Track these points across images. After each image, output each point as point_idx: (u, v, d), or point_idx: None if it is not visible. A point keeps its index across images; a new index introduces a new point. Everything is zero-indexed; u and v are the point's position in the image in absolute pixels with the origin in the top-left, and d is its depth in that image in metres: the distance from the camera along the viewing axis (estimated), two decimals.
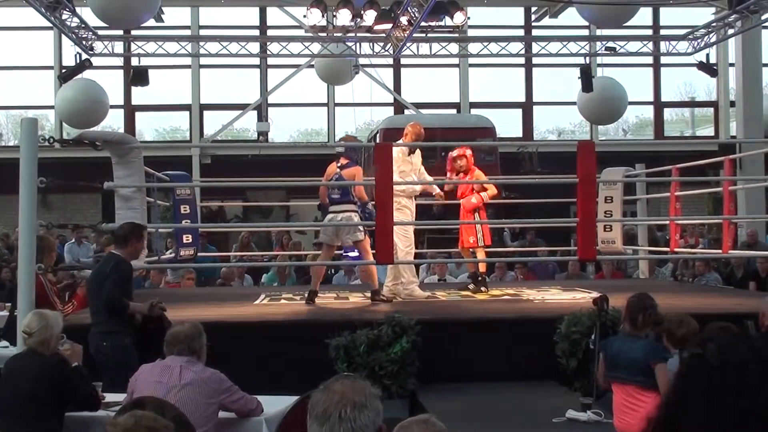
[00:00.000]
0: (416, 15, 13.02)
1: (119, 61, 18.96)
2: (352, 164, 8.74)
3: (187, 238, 10.07)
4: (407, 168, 9.16)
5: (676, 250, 10.94)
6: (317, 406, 2.42)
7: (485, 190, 9.69)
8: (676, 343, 5.33)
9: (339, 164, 8.71)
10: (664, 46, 16.06)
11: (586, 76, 15.12)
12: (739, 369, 1.47)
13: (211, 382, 4.60)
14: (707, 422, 1.46)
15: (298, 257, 13.41)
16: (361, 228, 8.66)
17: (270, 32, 20.35)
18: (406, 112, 21.08)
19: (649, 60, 20.41)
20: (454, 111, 21.54)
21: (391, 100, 21.51)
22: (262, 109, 21.24)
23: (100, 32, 14.87)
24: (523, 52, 16.60)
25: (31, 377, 4.88)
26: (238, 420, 4.81)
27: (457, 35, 15.77)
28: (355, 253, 10.13)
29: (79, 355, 5.40)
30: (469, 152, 9.75)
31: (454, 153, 9.73)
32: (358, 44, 15.57)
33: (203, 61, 19.98)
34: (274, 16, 21.20)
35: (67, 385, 4.92)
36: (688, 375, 1.54)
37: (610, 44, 15.92)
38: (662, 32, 19.26)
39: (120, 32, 15.67)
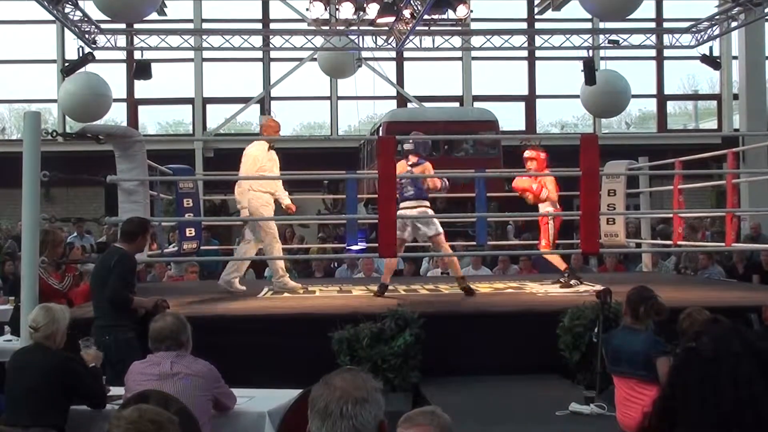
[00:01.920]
0: (419, 8, 12.99)
1: (122, 55, 18.95)
2: (423, 161, 8.79)
3: (190, 232, 10.07)
4: (270, 164, 9.07)
5: (679, 243, 10.93)
6: (318, 401, 2.41)
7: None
8: None
9: (409, 162, 8.73)
10: (667, 39, 16.02)
11: (589, 69, 15.09)
12: (732, 361, 1.48)
13: (203, 374, 4.55)
14: (703, 413, 1.47)
15: (304, 251, 13.42)
16: (436, 221, 8.73)
17: (273, 26, 20.31)
18: (409, 105, 21.08)
19: (652, 53, 20.38)
20: (456, 104, 21.52)
21: (394, 94, 21.50)
22: (264, 103, 21.24)
23: (103, 26, 14.85)
24: (525, 45, 16.57)
25: (37, 371, 4.89)
26: (240, 414, 4.79)
27: (459, 28, 15.74)
28: (358, 247, 10.15)
29: (98, 360, 5.38)
30: (543, 155, 9.64)
31: (526, 154, 9.64)
32: (360, 37, 15.55)
33: (206, 54, 19.95)
34: (277, 9, 21.19)
35: (72, 380, 4.92)
36: (683, 368, 1.55)
37: (613, 37, 15.88)
38: (665, 25, 19.24)
39: (123, 26, 15.67)
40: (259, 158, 8.94)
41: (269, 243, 9.03)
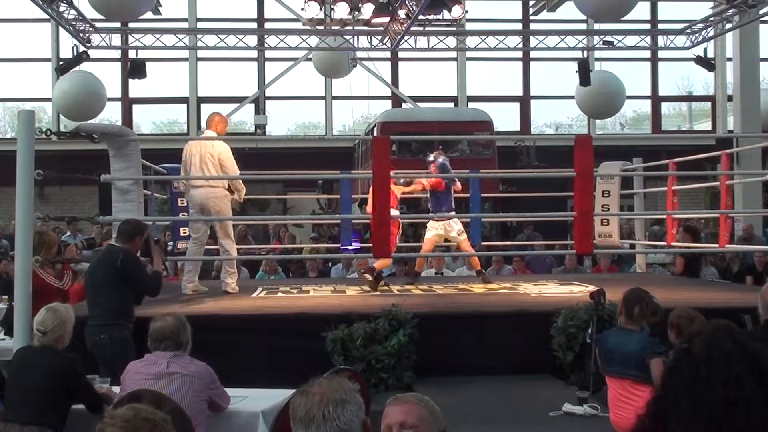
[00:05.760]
0: (414, 8, 13.00)
1: (117, 54, 18.87)
2: None
3: (184, 231, 10.08)
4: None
5: (672, 244, 10.95)
6: (298, 410, 2.42)
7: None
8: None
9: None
10: (661, 40, 16.05)
11: (584, 70, 15.10)
12: (724, 361, 1.49)
13: (199, 375, 4.55)
14: (695, 413, 1.48)
15: (297, 251, 13.42)
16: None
17: (267, 25, 20.33)
18: (404, 105, 21.09)
19: (647, 54, 20.40)
20: (451, 105, 21.53)
21: (389, 94, 21.51)
22: (259, 102, 21.22)
23: (98, 24, 14.83)
24: (520, 45, 16.57)
25: (43, 371, 4.90)
26: (233, 413, 4.78)
27: (454, 29, 15.76)
28: (353, 246, 10.15)
29: (110, 398, 5.30)
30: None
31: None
32: (355, 37, 15.55)
33: (201, 53, 19.95)
34: (272, 8, 21.17)
35: (76, 382, 4.92)
36: (676, 369, 1.56)
37: (608, 38, 15.90)
38: (660, 26, 19.27)
39: (117, 25, 15.64)
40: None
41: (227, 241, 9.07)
